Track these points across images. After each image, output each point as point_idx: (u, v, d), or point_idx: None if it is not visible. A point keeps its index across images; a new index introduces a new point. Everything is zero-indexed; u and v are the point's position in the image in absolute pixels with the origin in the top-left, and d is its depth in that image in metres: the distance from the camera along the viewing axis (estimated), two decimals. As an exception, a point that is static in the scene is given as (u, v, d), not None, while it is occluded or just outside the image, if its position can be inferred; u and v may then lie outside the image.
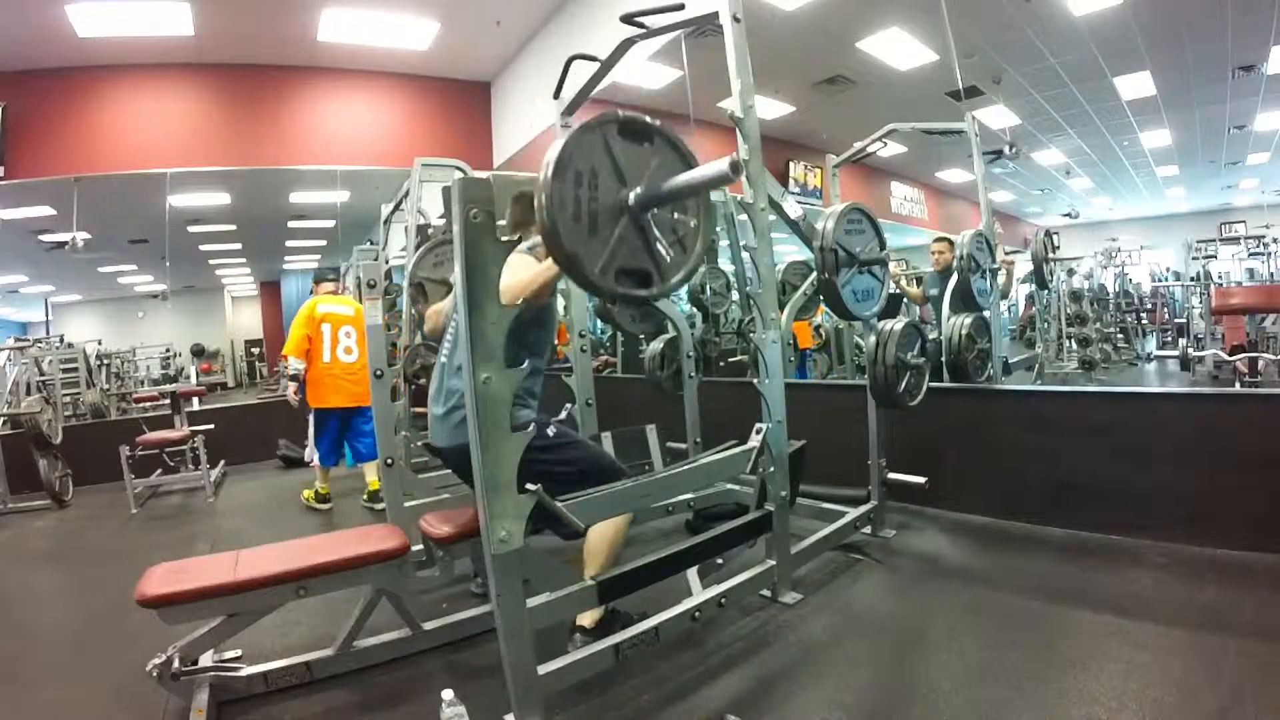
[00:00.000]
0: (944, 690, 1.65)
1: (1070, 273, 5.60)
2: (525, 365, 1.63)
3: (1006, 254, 3.76)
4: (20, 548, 3.73)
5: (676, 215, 1.47)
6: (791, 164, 6.37)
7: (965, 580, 2.35)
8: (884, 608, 2.22)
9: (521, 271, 1.65)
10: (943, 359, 3.04)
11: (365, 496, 4.01)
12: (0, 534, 3.96)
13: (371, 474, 3.95)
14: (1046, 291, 4.74)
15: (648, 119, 1.43)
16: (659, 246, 1.42)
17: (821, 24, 4.89)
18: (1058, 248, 4.14)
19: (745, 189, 2.18)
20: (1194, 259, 6.20)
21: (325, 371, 3.88)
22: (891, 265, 2.45)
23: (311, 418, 4.03)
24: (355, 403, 3.87)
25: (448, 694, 1.44)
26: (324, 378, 3.88)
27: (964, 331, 2.95)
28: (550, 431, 1.86)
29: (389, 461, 2.56)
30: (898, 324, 2.46)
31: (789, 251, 5.01)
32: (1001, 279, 3.28)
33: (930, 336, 2.95)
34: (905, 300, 4.80)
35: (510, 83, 6.75)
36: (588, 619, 1.84)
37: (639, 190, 1.37)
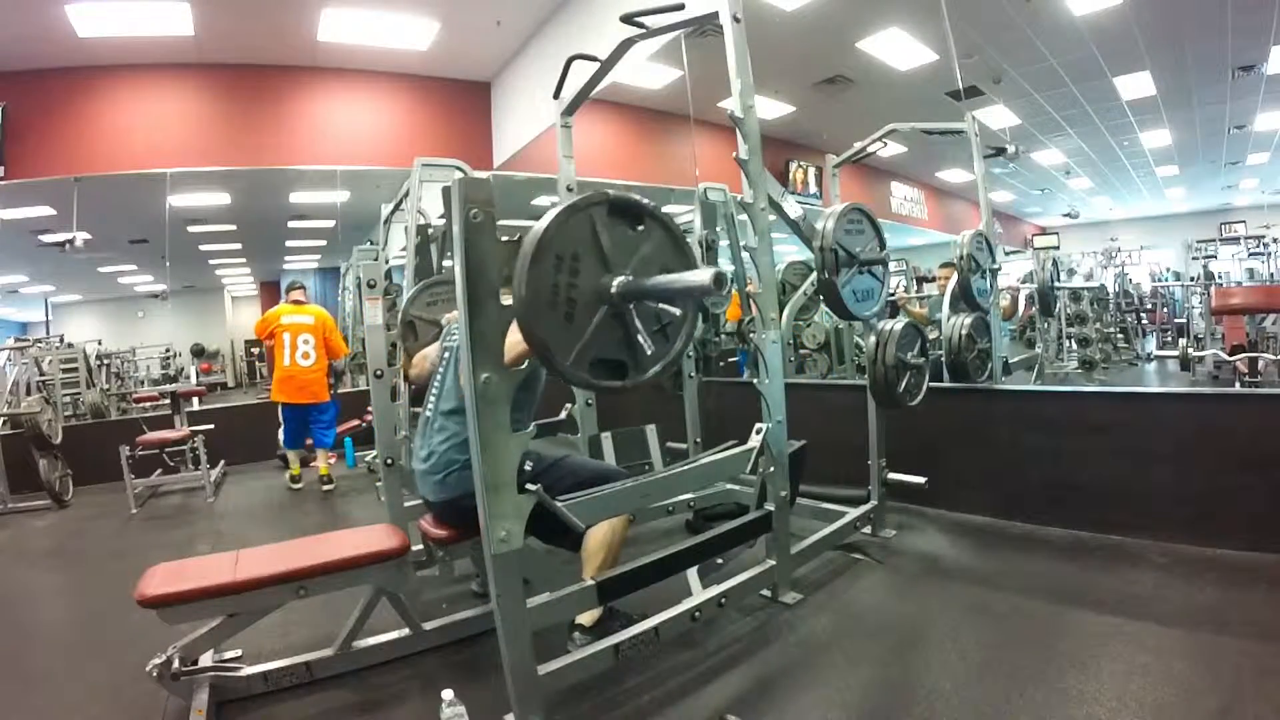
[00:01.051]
0: (944, 690, 1.65)
1: (1070, 272, 5.60)
2: (531, 429, 1.60)
3: (1009, 288, 3.78)
4: (20, 548, 3.73)
5: (661, 305, 1.44)
6: (791, 164, 6.37)
7: (965, 580, 2.35)
8: (884, 608, 2.22)
9: (513, 334, 1.63)
10: (943, 360, 3.04)
11: (319, 479, 4.58)
12: (0, 534, 3.96)
13: (322, 461, 4.62)
14: (1050, 319, 4.72)
15: (639, 200, 1.40)
16: (639, 337, 1.38)
17: (821, 24, 4.89)
18: (1068, 271, 4.14)
19: (745, 189, 2.18)
20: (1194, 259, 6.20)
21: (284, 373, 4.59)
22: (894, 278, 2.46)
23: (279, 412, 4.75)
24: (309, 400, 4.58)
25: (448, 694, 1.44)
26: (283, 379, 4.59)
27: (964, 331, 2.95)
28: (527, 466, 1.79)
29: (389, 461, 2.56)
30: (898, 324, 2.46)
31: (789, 251, 5.01)
32: (1004, 303, 3.28)
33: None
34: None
35: (510, 83, 6.75)
36: (587, 618, 1.84)
37: (623, 280, 1.34)
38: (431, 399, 2.07)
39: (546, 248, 1.27)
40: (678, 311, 1.46)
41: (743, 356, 4.95)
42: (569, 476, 1.87)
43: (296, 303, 4.73)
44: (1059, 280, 3.65)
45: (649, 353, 1.41)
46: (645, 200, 1.41)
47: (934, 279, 4.66)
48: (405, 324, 2.80)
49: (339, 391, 5.30)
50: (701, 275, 1.25)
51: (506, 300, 1.35)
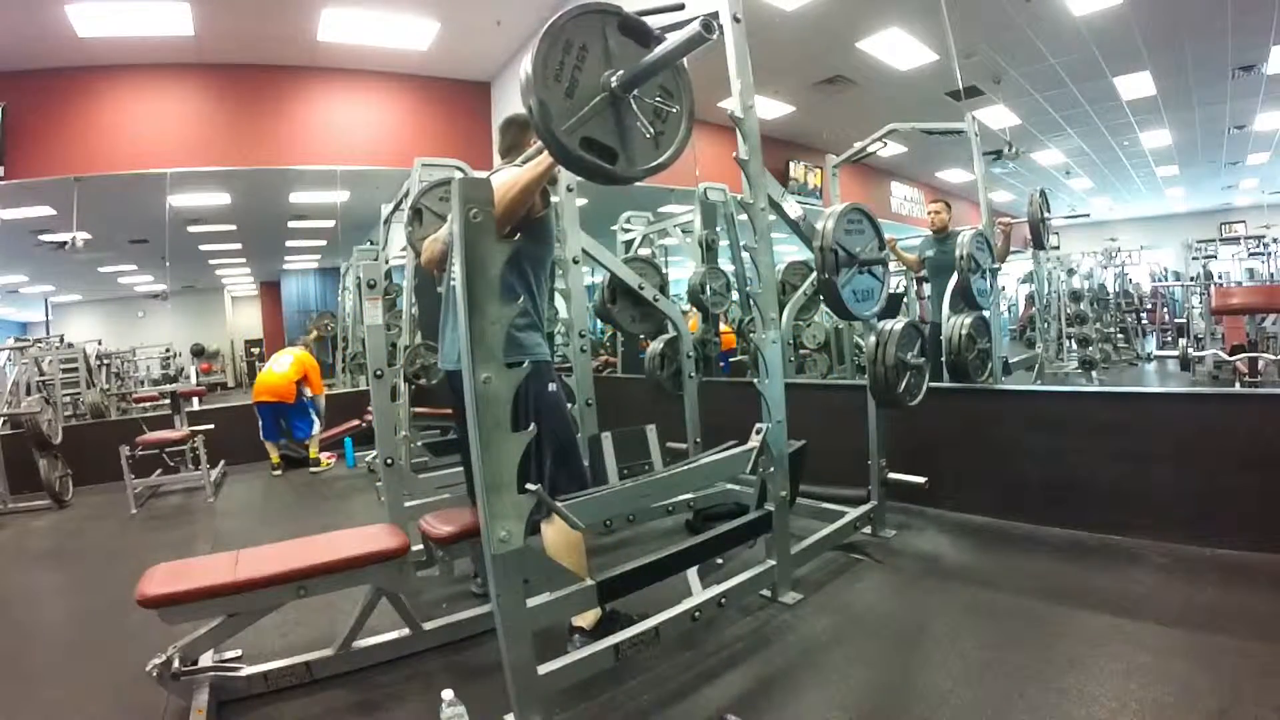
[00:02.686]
0: (944, 690, 1.65)
1: (1070, 272, 5.60)
2: (521, 300, 1.66)
3: (1002, 218, 3.71)
4: (20, 548, 3.73)
5: (659, 99, 1.50)
6: (792, 164, 6.37)
7: (965, 580, 2.35)
8: (884, 608, 2.22)
9: (505, 179, 1.65)
10: (943, 357, 3.04)
11: (309, 463, 5.32)
12: (0, 534, 3.96)
13: (314, 446, 5.37)
14: (1043, 251, 4.66)
15: (649, 25, 1.47)
16: (638, 125, 1.45)
17: (821, 24, 4.89)
18: (1051, 212, 4.09)
19: (745, 189, 2.18)
20: (1194, 259, 6.20)
21: (260, 378, 5.40)
22: (898, 286, 2.45)
23: None
24: (277, 399, 5.19)
25: (448, 694, 1.44)
26: (258, 383, 5.38)
27: (964, 331, 2.95)
28: (552, 388, 1.87)
29: (389, 461, 2.56)
30: (898, 324, 2.46)
31: (789, 251, 5.01)
32: (998, 240, 3.24)
33: (929, 321, 2.90)
34: (905, 300, 4.79)
35: (510, 83, 6.74)
36: (586, 619, 1.83)
37: (623, 72, 1.40)
38: (453, 280, 2.04)
39: (559, 32, 1.34)
40: (676, 109, 1.53)
41: (723, 357, 4.99)
42: (557, 433, 1.86)
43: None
44: (1048, 213, 3.62)
45: (646, 148, 1.47)
46: (655, 29, 1.47)
47: (929, 213, 4.54)
48: (414, 210, 2.80)
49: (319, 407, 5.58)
50: (692, 25, 1.31)
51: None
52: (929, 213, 3.99)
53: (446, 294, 2.01)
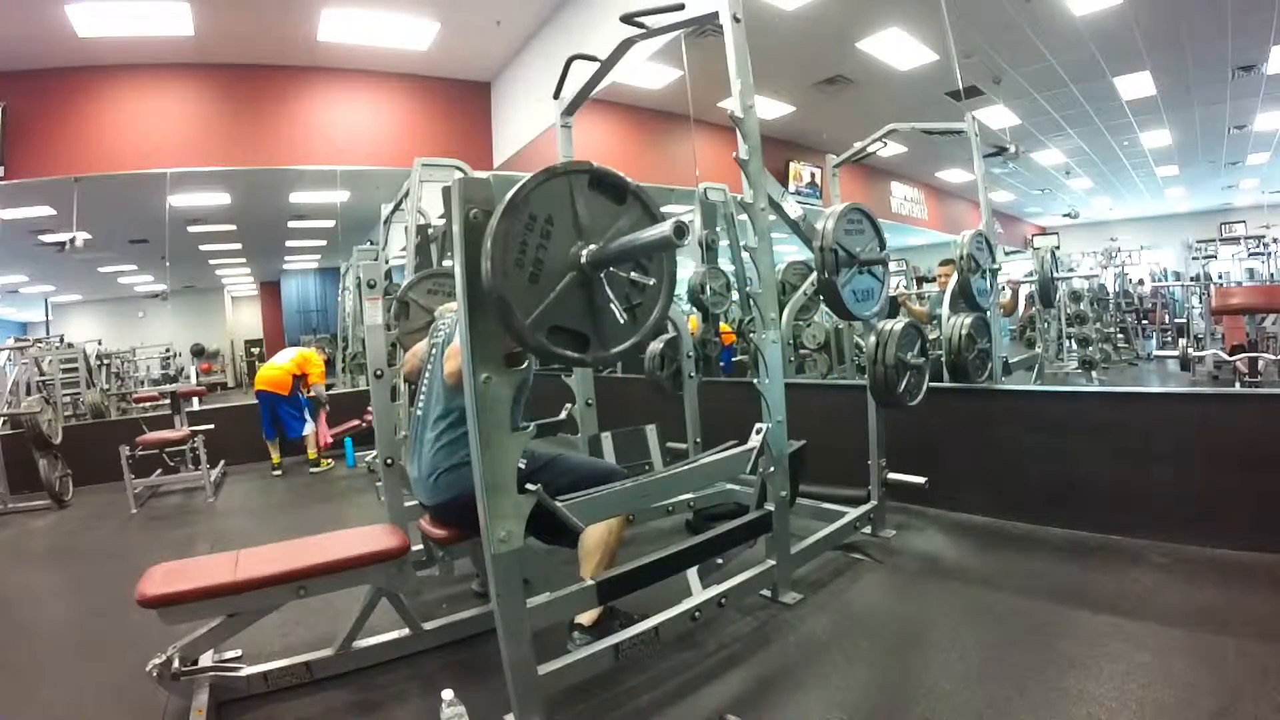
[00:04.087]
0: (944, 690, 1.65)
1: (1070, 271, 5.60)
2: (531, 428, 1.55)
3: (1009, 281, 3.77)
4: (20, 548, 3.73)
5: (634, 276, 1.41)
6: (792, 164, 6.37)
7: (965, 580, 2.35)
8: (884, 608, 2.22)
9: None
10: (943, 360, 3.04)
11: (307, 463, 5.35)
12: (0, 534, 3.96)
13: (311, 447, 5.36)
14: (1051, 310, 4.72)
15: (622, 176, 1.38)
16: (610, 307, 1.35)
17: (821, 24, 4.89)
18: (1068, 269, 4.14)
19: (745, 189, 2.18)
20: (1194, 259, 6.19)
21: (261, 370, 5.48)
22: (894, 277, 2.45)
23: None
24: (273, 389, 5.18)
25: (448, 694, 1.44)
26: (259, 372, 5.45)
27: (964, 331, 2.95)
28: (521, 465, 1.75)
29: (389, 461, 2.56)
30: (898, 324, 2.46)
31: (789, 251, 5.01)
32: (1005, 299, 3.27)
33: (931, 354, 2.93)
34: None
35: (510, 83, 6.75)
36: (586, 618, 1.84)
37: (594, 248, 1.31)
38: (421, 400, 2.06)
39: (521, 205, 1.26)
40: (652, 281, 1.43)
41: (725, 355, 5.01)
42: (566, 475, 1.87)
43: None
44: (1058, 272, 3.66)
45: (619, 327, 1.38)
46: (627, 178, 1.40)
47: (934, 278, 4.66)
48: (400, 304, 2.80)
49: (323, 398, 5.59)
50: (663, 227, 1.23)
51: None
52: (937, 275, 4.07)
53: (412, 418, 2.02)
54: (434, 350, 2.08)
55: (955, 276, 2.95)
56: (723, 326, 4.93)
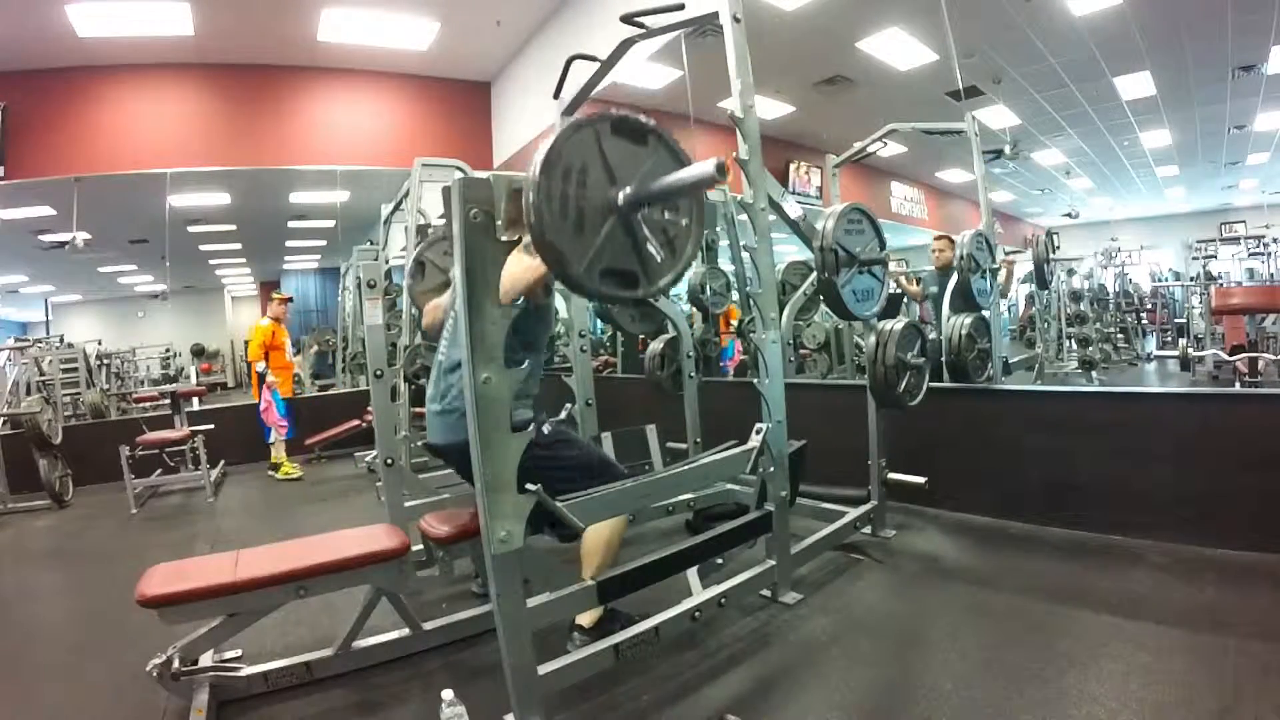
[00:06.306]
0: (944, 690, 1.65)
1: (1070, 272, 5.60)
2: (525, 365, 1.64)
3: (1007, 253, 3.76)
4: (20, 548, 3.73)
5: (668, 215, 1.47)
6: (791, 164, 6.36)
7: (965, 580, 2.35)
8: (884, 608, 2.22)
9: (514, 269, 1.65)
10: (943, 359, 3.04)
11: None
12: (0, 534, 3.96)
13: (277, 451, 5.15)
14: (1047, 291, 4.74)
15: (643, 119, 1.43)
16: (649, 247, 1.41)
17: (821, 24, 4.89)
18: (1058, 248, 4.14)
19: (745, 189, 2.18)
20: (1194, 259, 6.19)
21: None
22: (891, 264, 2.45)
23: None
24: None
25: (448, 694, 1.44)
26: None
27: (964, 331, 2.95)
28: (546, 429, 1.86)
29: (389, 461, 2.56)
30: (898, 324, 2.46)
31: (789, 251, 5.01)
32: (1001, 277, 3.28)
33: (930, 336, 2.95)
34: (905, 300, 4.80)
35: (510, 83, 6.76)
36: (586, 618, 1.84)
37: (629, 190, 1.36)
38: (444, 344, 2.05)
39: (555, 160, 1.30)
40: (684, 222, 1.49)
41: (725, 352, 5.03)
42: (572, 462, 1.86)
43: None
44: (1054, 253, 3.66)
45: (659, 262, 1.43)
46: (647, 119, 1.43)
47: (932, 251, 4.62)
48: (416, 263, 2.81)
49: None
50: (705, 166, 1.27)
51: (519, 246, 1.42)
52: (933, 250, 4.04)
53: (435, 360, 2.04)
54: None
55: (955, 276, 2.95)
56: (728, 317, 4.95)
